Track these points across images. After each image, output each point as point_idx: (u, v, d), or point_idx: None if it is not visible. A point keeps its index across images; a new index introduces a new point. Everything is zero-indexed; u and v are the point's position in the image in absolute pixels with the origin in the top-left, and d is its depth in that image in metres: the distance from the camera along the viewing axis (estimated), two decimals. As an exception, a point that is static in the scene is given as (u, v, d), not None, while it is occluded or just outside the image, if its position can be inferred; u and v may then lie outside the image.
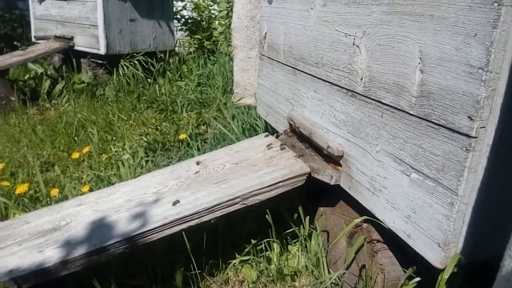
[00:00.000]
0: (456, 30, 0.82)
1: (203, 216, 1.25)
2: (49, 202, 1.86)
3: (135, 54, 3.86)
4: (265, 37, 1.90)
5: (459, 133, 0.82)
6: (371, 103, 1.11)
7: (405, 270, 1.13)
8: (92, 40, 3.68)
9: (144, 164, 2.25)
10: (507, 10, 0.72)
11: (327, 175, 1.31)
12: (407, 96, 0.97)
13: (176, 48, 4.75)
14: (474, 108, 0.79)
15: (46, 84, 3.67)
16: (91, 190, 1.91)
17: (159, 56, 4.08)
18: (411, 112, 0.96)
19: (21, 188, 1.87)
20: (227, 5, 4.71)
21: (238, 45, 2.00)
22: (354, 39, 1.18)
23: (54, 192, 1.88)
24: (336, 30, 1.27)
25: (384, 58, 1.05)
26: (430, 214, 0.91)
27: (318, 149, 1.43)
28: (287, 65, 1.68)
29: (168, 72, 4.03)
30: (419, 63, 0.92)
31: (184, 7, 5.21)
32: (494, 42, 0.74)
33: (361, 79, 1.15)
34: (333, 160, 1.33)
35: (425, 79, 0.91)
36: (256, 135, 2.03)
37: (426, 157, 0.92)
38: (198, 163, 1.54)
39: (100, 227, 1.24)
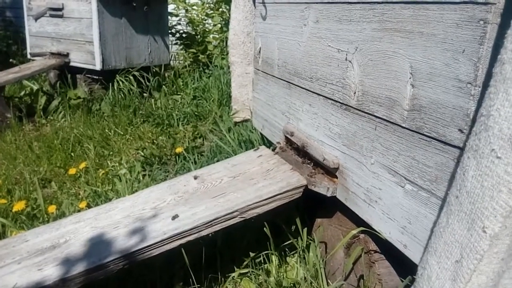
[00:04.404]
0: (445, 47, 0.85)
1: (202, 230, 1.26)
2: (46, 219, 1.86)
3: (130, 69, 3.89)
4: (259, 52, 1.93)
5: (451, 145, 0.85)
6: (365, 116, 1.14)
7: (403, 280, 1.14)
8: (87, 56, 3.71)
9: (141, 178, 2.26)
10: (493, 27, 0.75)
11: (323, 187, 1.33)
12: (399, 109, 0.99)
13: (171, 62, 4.79)
14: (464, 121, 0.81)
15: (42, 100, 3.68)
16: (88, 206, 1.91)
17: (154, 70, 4.11)
18: (404, 125, 0.98)
19: (19, 206, 1.87)
20: (221, 19, 4.77)
21: (235, 61, 2.02)
22: (346, 54, 1.21)
23: (52, 209, 1.87)
24: (329, 46, 1.30)
25: (376, 73, 1.08)
26: (425, 224, 0.93)
27: (314, 162, 1.45)
28: (281, 79, 1.71)
29: (163, 86, 4.06)
30: (410, 78, 0.95)
31: (178, 22, 5.27)
32: (482, 58, 0.77)
33: (354, 93, 1.18)
34: (329, 172, 1.35)
35: (416, 93, 0.93)
36: (252, 147, 2.05)
37: (420, 169, 0.94)
38: (195, 178, 1.55)
39: (99, 244, 1.24)
